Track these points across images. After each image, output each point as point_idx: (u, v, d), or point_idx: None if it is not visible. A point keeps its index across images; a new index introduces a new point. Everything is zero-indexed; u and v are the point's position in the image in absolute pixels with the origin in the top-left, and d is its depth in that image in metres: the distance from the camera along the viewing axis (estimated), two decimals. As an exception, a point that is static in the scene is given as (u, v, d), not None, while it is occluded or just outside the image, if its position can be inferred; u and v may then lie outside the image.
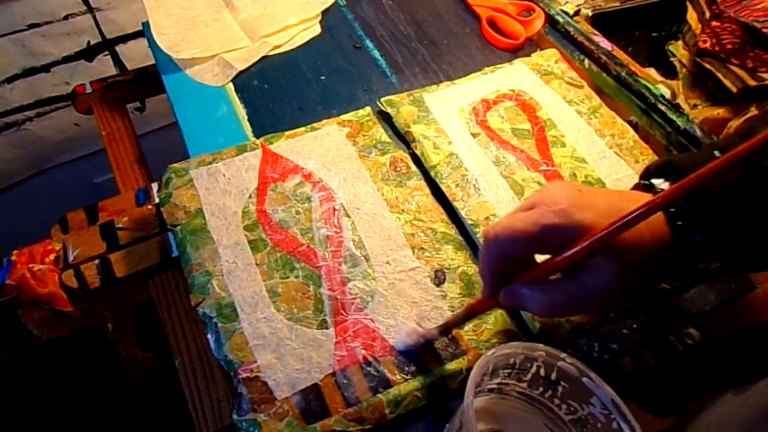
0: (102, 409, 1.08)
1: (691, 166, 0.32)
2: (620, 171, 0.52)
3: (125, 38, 0.92)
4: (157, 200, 0.51)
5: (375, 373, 0.39)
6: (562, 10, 0.67)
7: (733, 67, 0.68)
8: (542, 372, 0.35)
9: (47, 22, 0.84)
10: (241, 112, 0.57)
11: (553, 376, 0.35)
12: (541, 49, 0.65)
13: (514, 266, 0.35)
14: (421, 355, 0.40)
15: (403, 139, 0.55)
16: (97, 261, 0.48)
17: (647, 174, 0.38)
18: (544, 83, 0.59)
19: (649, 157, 0.53)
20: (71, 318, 0.49)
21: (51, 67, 0.89)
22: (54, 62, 0.89)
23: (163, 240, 0.50)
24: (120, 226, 0.50)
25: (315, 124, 0.54)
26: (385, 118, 0.57)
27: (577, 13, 0.73)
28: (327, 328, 0.41)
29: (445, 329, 0.39)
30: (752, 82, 0.66)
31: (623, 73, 0.58)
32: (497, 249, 0.34)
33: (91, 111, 0.66)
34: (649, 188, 0.36)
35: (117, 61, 0.94)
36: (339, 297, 0.43)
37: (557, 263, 0.32)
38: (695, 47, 0.71)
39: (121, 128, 0.63)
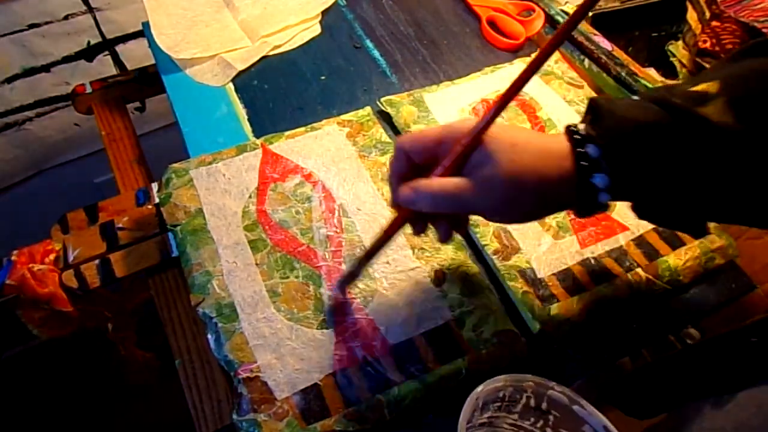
0: (102, 409, 1.08)
1: (606, 102, 0.33)
2: (620, 171, 0.52)
3: (125, 38, 0.92)
4: (157, 200, 0.51)
5: (375, 373, 0.39)
6: (562, 10, 0.67)
7: (733, 67, 0.68)
8: (532, 402, 0.35)
9: (47, 22, 0.84)
10: (241, 112, 0.57)
11: (544, 405, 0.35)
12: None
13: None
14: (421, 355, 0.40)
15: (403, 139, 0.55)
16: (97, 261, 0.48)
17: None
18: (544, 83, 0.59)
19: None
20: (71, 318, 0.49)
21: (51, 67, 0.89)
22: (54, 62, 0.89)
23: (163, 240, 0.50)
24: (120, 226, 0.50)
25: (315, 124, 0.54)
26: (385, 118, 0.57)
27: (577, 13, 0.73)
28: (327, 328, 0.41)
29: (366, 257, 0.39)
30: (752, 82, 0.66)
31: (623, 73, 0.58)
32: (401, 151, 0.36)
33: (91, 111, 0.66)
34: (569, 126, 0.35)
35: (117, 61, 0.94)
36: (339, 297, 0.43)
37: (447, 159, 0.34)
38: (695, 47, 0.71)
39: (121, 128, 0.63)
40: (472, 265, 0.45)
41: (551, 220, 0.48)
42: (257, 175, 0.50)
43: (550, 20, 0.66)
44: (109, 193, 0.54)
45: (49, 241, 0.49)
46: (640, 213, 0.35)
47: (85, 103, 0.66)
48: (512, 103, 0.56)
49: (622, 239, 0.47)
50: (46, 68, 0.89)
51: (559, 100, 0.58)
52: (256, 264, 0.44)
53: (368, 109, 0.56)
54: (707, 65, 0.70)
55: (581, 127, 0.34)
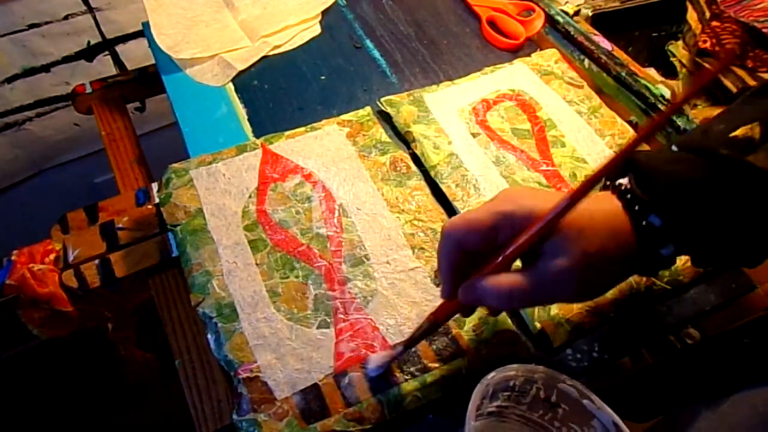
0: (102, 409, 1.08)
1: (648, 161, 0.33)
2: (620, 171, 0.52)
3: (125, 38, 0.92)
4: (157, 200, 0.51)
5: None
6: (562, 10, 0.67)
7: (733, 67, 0.68)
8: (542, 394, 0.35)
9: (47, 22, 0.84)
10: (241, 112, 0.57)
11: (553, 398, 0.35)
12: (541, 49, 0.65)
13: (472, 265, 0.34)
14: (421, 355, 0.40)
15: (403, 139, 0.55)
16: (97, 261, 0.48)
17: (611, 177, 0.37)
18: (544, 83, 0.59)
19: (649, 157, 0.53)
20: (71, 318, 0.49)
21: (51, 67, 0.89)
22: (54, 62, 0.89)
23: (163, 240, 0.50)
24: (120, 226, 0.50)
25: (315, 124, 0.54)
26: (385, 118, 0.57)
27: (577, 13, 0.73)
28: (327, 328, 0.41)
29: (410, 344, 0.38)
30: (752, 82, 0.66)
31: (623, 73, 0.58)
32: (453, 241, 0.33)
33: (91, 111, 0.66)
34: (614, 188, 0.35)
35: (117, 61, 0.94)
36: (339, 297, 0.43)
37: (512, 251, 0.32)
38: (695, 47, 0.71)
39: (121, 128, 0.63)
40: (472, 265, 0.45)
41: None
42: (257, 175, 0.50)
43: (550, 20, 0.66)
44: (109, 193, 0.54)
45: (49, 241, 0.49)
46: (698, 263, 0.35)
47: (85, 103, 0.66)
48: (512, 104, 0.57)
49: (622, 239, 0.47)
50: (46, 68, 0.89)
51: (559, 100, 0.58)
52: (256, 264, 0.44)
53: (368, 109, 0.56)
54: (707, 65, 0.70)
55: (626, 184, 0.33)
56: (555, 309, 0.42)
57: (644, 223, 0.32)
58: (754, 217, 0.32)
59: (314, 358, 0.39)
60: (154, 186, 0.53)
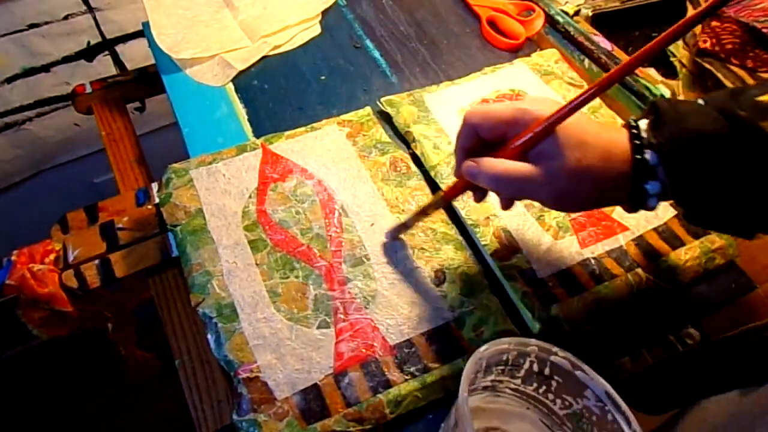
0: (102, 409, 1.08)
1: (668, 105, 0.34)
2: (620, 171, 0.52)
3: (125, 38, 0.92)
4: (157, 200, 0.51)
5: (375, 373, 0.39)
6: (562, 10, 0.67)
7: (733, 67, 0.68)
8: (535, 367, 0.35)
9: (47, 22, 0.84)
10: (241, 112, 0.57)
11: (547, 371, 0.35)
12: (541, 49, 0.65)
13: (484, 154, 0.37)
14: (421, 355, 0.40)
15: (403, 139, 0.55)
16: (97, 261, 0.48)
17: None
18: (544, 83, 0.59)
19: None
20: (71, 318, 0.49)
21: (51, 67, 0.89)
22: (54, 62, 0.89)
23: (163, 240, 0.50)
24: (120, 226, 0.50)
25: (315, 124, 0.54)
26: (385, 118, 0.57)
27: (577, 13, 0.73)
28: (327, 328, 0.41)
29: (422, 212, 0.43)
30: (752, 82, 0.66)
31: (623, 73, 0.58)
32: (469, 125, 0.37)
33: (91, 111, 0.66)
34: (631, 125, 0.36)
35: (117, 61, 0.94)
36: (339, 297, 0.43)
37: (516, 144, 0.35)
38: (695, 47, 0.71)
39: (121, 128, 0.63)
40: (472, 265, 0.45)
41: (551, 220, 0.48)
42: (257, 175, 0.50)
43: (550, 20, 0.66)
44: (109, 193, 0.54)
45: (49, 241, 0.49)
46: (691, 219, 0.36)
47: (85, 103, 0.66)
48: (512, 103, 0.57)
49: (622, 239, 0.47)
50: (46, 68, 0.89)
51: (559, 100, 0.58)
52: (256, 264, 0.44)
53: (368, 109, 0.56)
54: (707, 65, 0.70)
55: (643, 127, 0.34)
56: (555, 309, 0.42)
57: (639, 157, 0.33)
58: (757, 184, 0.32)
59: (314, 358, 0.39)
60: (154, 186, 0.53)
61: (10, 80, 0.87)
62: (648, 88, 0.56)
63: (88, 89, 0.66)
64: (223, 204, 0.47)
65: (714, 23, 0.70)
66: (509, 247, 0.46)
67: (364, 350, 0.40)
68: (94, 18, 0.87)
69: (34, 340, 0.87)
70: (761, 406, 0.39)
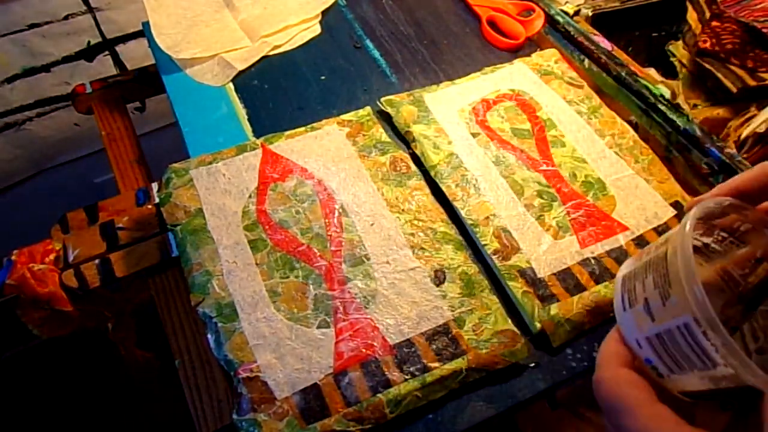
0: (102, 409, 1.08)
1: None
2: (620, 171, 0.52)
3: (125, 38, 0.92)
4: (157, 200, 0.51)
5: (375, 372, 0.39)
6: (562, 10, 0.67)
7: (733, 67, 0.68)
8: (758, 254, 0.26)
9: (47, 22, 0.84)
10: (241, 112, 0.57)
11: None
12: (541, 49, 0.65)
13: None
14: (421, 355, 0.40)
15: (403, 139, 0.55)
16: (97, 261, 0.48)
17: None
18: (544, 83, 0.59)
19: (649, 157, 0.53)
20: (71, 318, 0.49)
21: (51, 67, 0.89)
22: (54, 62, 0.89)
23: (163, 240, 0.50)
24: (120, 226, 0.50)
25: (315, 124, 0.54)
26: (385, 118, 0.57)
27: (577, 13, 0.73)
28: (327, 328, 0.41)
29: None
30: (752, 82, 0.66)
31: (623, 73, 0.58)
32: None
33: (91, 111, 0.66)
34: None
35: (117, 61, 0.94)
36: (339, 297, 0.43)
37: None
38: (695, 47, 0.71)
39: (121, 128, 0.63)
40: (472, 265, 0.45)
41: (551, 219, 0.48)
42: (257, 175, 0.50)
43: (550, 20, 0.66)
44: (109, 193, 0.54)
45: (49, 241, 0.49)
46: None
47: (85, 103, 0.66)
48: (512, 103, 0.57)
49: (622, 239, 0.47)
50: (46, 68, 0.89)
51: (559, 100, 0.58)
52: (256, 264, 0.44)
53: (368, 109, 0.56)
54: (707, 65, 0.70)
55: None
56: (555, 309, 0.42)
57: None
58: None
59: (314, 358, 0.39)
60: (154, 186, 0.53)
61: (10, 80, 0.87)
62: (648, 88, 0.56)
63: (88, 89, 0.66)
64: (223, 204, 0.47)
65: (714, 23, 0.70)
66: (509, 247, 0.46)
67: (364, 350, 0.40)
68: (94, 18, 0.88)
69: (34, 340, 0.87)
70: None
